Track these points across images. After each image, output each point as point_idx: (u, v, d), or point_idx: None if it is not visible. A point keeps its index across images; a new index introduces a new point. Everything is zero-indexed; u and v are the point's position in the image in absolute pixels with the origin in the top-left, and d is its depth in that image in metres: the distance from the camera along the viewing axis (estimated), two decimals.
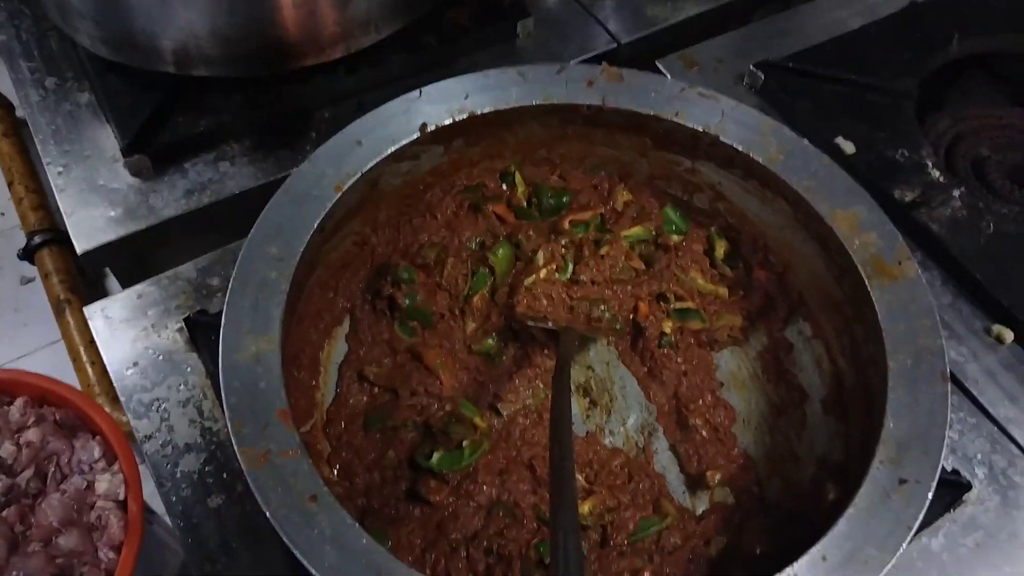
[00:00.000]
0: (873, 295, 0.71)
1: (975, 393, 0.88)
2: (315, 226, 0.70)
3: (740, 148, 0.79)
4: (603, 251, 0.84)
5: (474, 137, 0.83)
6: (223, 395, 0.61)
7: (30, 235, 1.35)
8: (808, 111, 1.04)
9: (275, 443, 0.60)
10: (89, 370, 1.22)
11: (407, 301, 0.82)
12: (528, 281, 0.82)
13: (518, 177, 0.89)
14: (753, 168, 0.79)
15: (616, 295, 0.83)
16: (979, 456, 0.84)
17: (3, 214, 1.82)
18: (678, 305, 0.85)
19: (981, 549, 0.79)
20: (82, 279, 1.32)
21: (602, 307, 0.82)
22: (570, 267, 0.84)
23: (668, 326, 0.85)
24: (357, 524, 0.57)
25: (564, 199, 0.89)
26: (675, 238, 0.87)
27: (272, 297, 0.66)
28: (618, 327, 0.83)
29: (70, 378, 0.97)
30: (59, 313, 1.28)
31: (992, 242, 0.95)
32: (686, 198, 0.89)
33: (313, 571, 0.55)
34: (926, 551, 0.78)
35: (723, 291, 0.87)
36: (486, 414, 0.79)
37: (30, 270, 1.41)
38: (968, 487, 0.81)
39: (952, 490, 0.81)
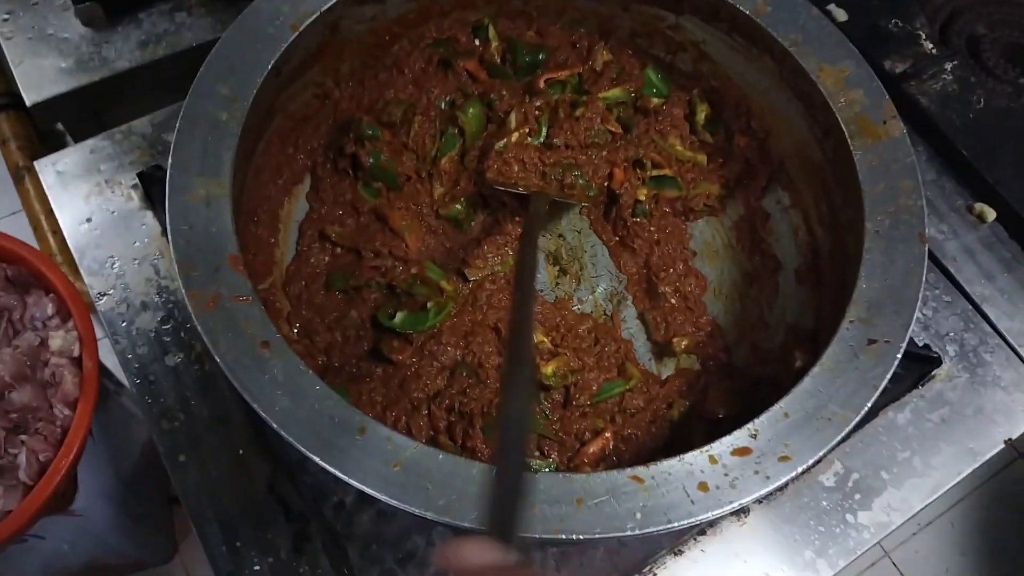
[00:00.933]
0: (855, 155, 0.68)
1: (952, 271, 0.86)
2: (269, 66, 0.66)
3: None
4: (578, 113, 0.80)
5: None
6: (170, 237, 0.58)
7: None
8: None
9: (226, 288, 0.57)
10: (51, 239, 1.18)
11: (371, 160, 0.78)
12: (499, 145, 0.79)
13: (492, 31, 0.83)
14: (739, 21, 0.75)
15: (591, 160, 0.80)
16: (951, 333, 0.83)
17: None
18: (655, 172, 0.82)
19: (946, 424, 0.79)
20: (42, 145, 1.26)
21: (576, 173, 0.79)
22: (544, 130, 0.81)
23: (643, 194, 0.82)
24: (311, 372, 0.55)
25: (540, 56, 0.84)
26: (655, 101, 0.83)
27: (222, 140, 0.62)
28: (591, 193, 0.80)
29: None
30: (18, 181, 1.23)
31: (981, 117, 0.92)
32: (668, 59, 0.85)
33: (264, 415, 0.53)
34: (892, 424, 0.78)
35: (702, 158, 0.84)
36: (452, 279, 0.77)
37: None
38: (938, 362, 0.81)
39: (922, 365, 0.80)
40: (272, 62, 0.66)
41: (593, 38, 0.85)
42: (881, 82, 0.74)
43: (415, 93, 0.81)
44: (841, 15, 0.96)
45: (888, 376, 0.59)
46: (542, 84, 0.82)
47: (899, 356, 0.60)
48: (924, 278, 0.63)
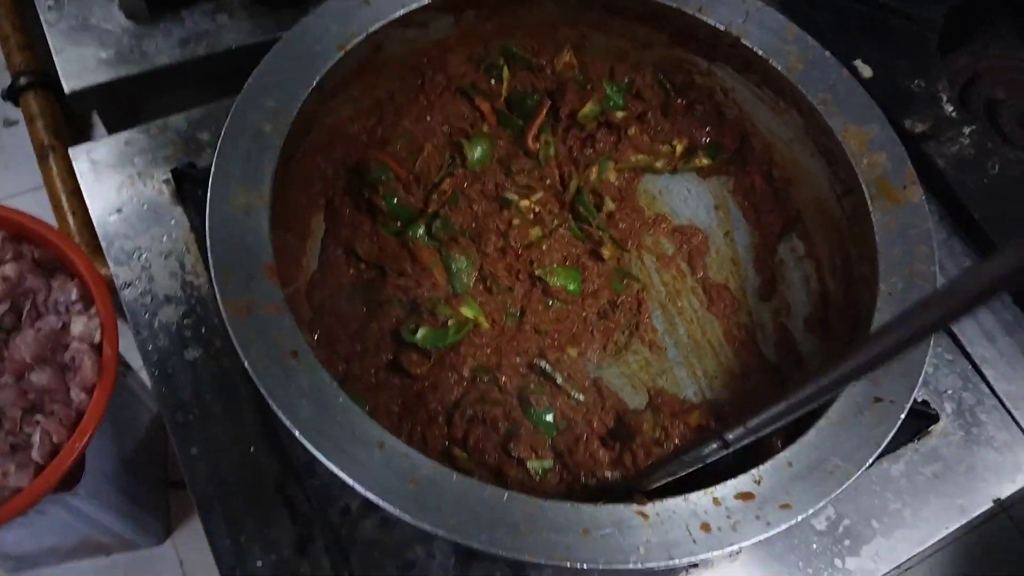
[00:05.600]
0: (873, 216, 0.70)
1: (955, 330, 0.88)
2: (314, 83, 0.67)
3: (760, 53, 0.76)
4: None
5: (487, 10, 0.79)
6: (208, 244, 0.60)
7: (15, 76, 1.30)
8: (830, 28, 1.01)
9: (259, 296, 0.59)
10: (70, 219, 1.19)
11: (386, 202, 0.79)
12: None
13: (506, 72, 0.85)
14: (770, 75, 0.77)
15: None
16: (950, 391, 0.85)
17: None
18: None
19: (938, 479, 0.81)
20: (68, 126, 1.28)
21: None
22: None
23: None
24: (335, 384, 0.57)
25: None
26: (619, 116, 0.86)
27: (265, 151, 0.64)
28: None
29: None
30: (42, 159, 1.25)
31: (995, 183, 0.94)
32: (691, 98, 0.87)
33: (287, 422, 0.55)
34: (885, 475, 0.80)
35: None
36: (489, 315, 0.78)
37: (14, 113, 1.36)
38: (935, 419, 0.83)
39: (919, 420, 0.82)
40: (317, 79, 0.68)
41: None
42: (901, 141, 0.76)
43: (428, 120, 0.83)
44: (866, 71, 0.98)
45: (891, 435, 0.61)
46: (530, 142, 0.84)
47: (903, 416, 0.62)
48: (932, 343, 0.65)
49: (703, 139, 0.88)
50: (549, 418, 0.72)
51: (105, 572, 1.31)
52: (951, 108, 0.99)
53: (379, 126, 0.81)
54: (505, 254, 0.79)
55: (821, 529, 0.77)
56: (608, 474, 0.71)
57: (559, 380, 0.75)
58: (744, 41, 0.77)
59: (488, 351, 0.74)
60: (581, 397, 0.75)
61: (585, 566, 0.53)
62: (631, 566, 0.54)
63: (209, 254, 0.59)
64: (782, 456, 0.60)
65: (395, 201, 0.79)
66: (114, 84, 0.89)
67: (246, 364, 0.56)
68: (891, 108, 0.93)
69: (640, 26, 0.82)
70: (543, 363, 0.75)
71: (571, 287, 0.79)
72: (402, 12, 0.74)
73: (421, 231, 0.79)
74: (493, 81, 0.85)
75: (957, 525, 0.80)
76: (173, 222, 0.81)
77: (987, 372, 0.87)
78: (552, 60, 0.86)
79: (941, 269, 0.89)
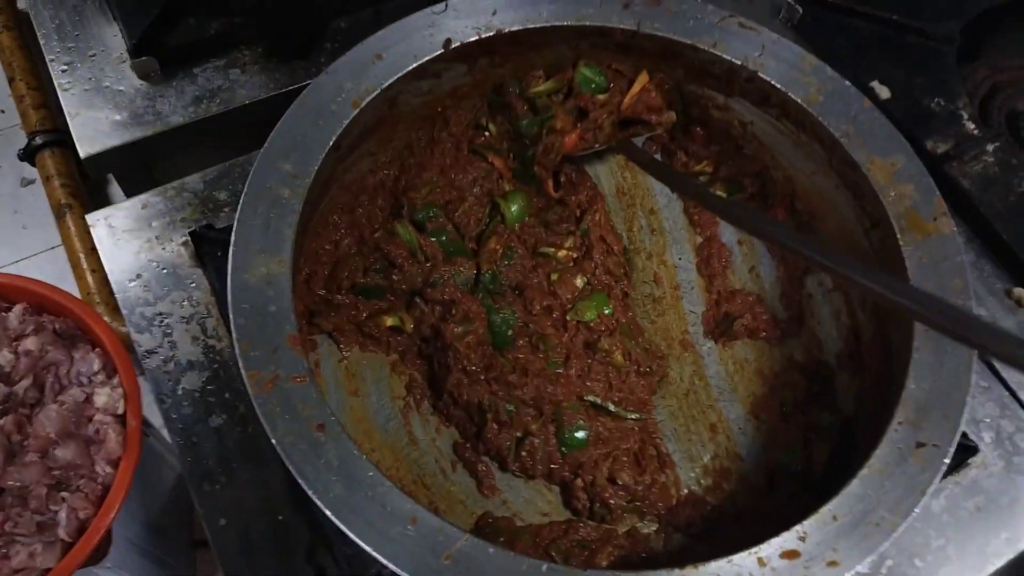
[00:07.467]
0: (904, 250, 0.68)
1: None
2: (331, 143, 0.67)
3: (779, 86, 0.75)
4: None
5: (500, 56, 0.78)
6: (231, 316, 0.59)
7: (31, 135, 1.30)
8: (845, 51, 1.00)
9: (284, 368, 0.58)
10: (89, 278, 1.19)
11: (434, 239, 0.79)
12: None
13: (491, 126, 0.85)
14: (789, 108, 0.76)
15: None
16: (988, 420, 0.83)
17: (3, 112, 1.75)
18: None
19: (981, 513, 0.78)
20: (84, 184, 1.28)
21: None
22: None
23: None
24: (364, 457, 0.56)
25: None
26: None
27: (284, 217, 0.63)
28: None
29: (69, 285, 0.95)
30: (60, 217, 1.25)
31: (1022, 201, 0.92)
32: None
33: (318, 502, 0.54)
34: (926, 511, 0.78)
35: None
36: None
37: (31, 171, 1.36)
38: (974, 451, 0.80)
39: (958, 453, 0.79)
40: (334, 139, 0.67)
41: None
42: (923, 162, 0.74)
43: (453, 178, 0.83)
44: (884, 92, 0.97)
45: (936, 482, 0.60)
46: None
47: (947, 461, 0.60)
48: (972, 382, 0.64)
49: (721, 172, 0.87)
50: (580, 435, 0.72)
51: None
52: (972, 125, 0.97)
53: (402, 176, 0.81)
54: (551, 312, 0.80)
55: (865, 572, 0.75)
56: (615, 503, 0.71)
57: (611, 408, 0.75)
58: (761, 75, 0.76)
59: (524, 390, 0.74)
60: (635, 416, 0.75)
61: None
62: None
63: (232, 327, 0.58)
64: (826, 509, 0.58)
65: (445, 238, 0.78)
66: (129, 146, 0.89)
67: (274, 442, 0.55)
68: (912, 128, 0.92)
69: (653, 63, 0.81)
70: (591, 397, 0.75)
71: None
72: (415, 65, 0.73)
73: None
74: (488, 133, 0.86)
75: (1003, 561, 0.78)
76: (193, 285, 0.81)
77: None
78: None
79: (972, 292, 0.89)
